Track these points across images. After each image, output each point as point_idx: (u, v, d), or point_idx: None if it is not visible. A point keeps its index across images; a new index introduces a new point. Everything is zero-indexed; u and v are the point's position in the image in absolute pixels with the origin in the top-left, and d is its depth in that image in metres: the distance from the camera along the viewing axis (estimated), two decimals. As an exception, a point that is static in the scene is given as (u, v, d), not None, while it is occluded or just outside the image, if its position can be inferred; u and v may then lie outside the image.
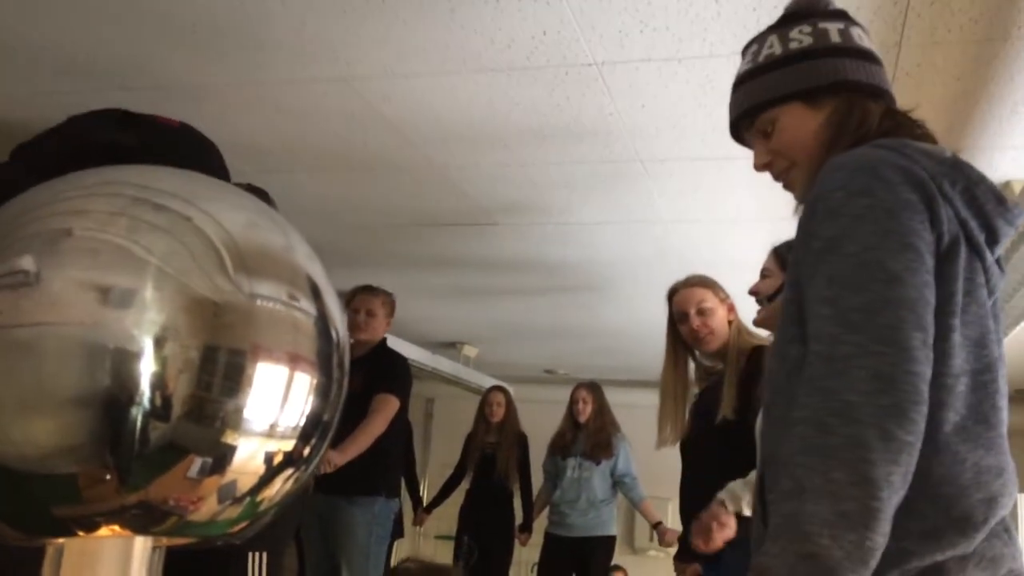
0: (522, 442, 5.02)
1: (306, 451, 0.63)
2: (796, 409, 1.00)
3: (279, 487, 0.63)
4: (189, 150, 1.29)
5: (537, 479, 5.04)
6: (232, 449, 0.61)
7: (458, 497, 5.23)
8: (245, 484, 0.62)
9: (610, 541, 4.81)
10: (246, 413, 0.60)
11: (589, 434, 4.70)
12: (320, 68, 2.08)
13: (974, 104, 2.07)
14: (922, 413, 0.95)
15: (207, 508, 0.61)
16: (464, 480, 5.16)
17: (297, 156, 2.67)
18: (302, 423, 0.63)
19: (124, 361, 0.57)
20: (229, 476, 0.61)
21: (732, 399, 2.37)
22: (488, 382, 6.07)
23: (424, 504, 5.49)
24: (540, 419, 5.16)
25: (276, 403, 0.62)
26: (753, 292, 2.21)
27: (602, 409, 4.77)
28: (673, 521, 5.00)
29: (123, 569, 0.60)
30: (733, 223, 3.07)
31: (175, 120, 1.47)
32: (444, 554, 6.08)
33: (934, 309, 1.00)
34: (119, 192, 0.60)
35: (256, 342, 0.61)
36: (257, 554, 1.99)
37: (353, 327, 3.50)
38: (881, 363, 0.95)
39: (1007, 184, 2.39)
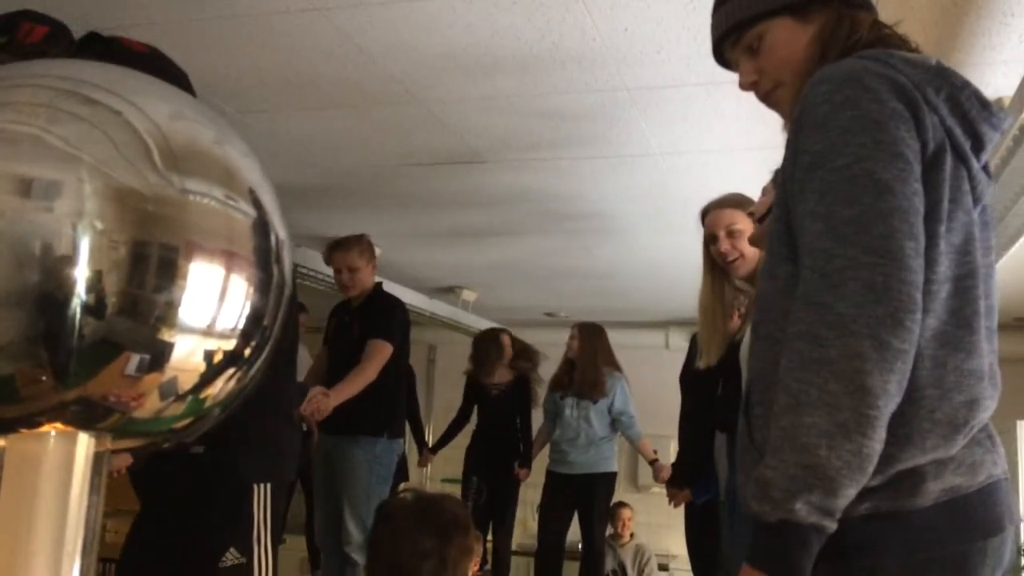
0: (525, 381, 5.07)
1: (247, 351, 0.62)
2: (791, 325, 1.01)
3: (222, 385, 0.63)
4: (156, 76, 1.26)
5: (537, 418, 5.10)
6: (169, 346, 0.60)
7: (462, 440, 5.29)
8: (186, 381, 0.62)
9: (611, 478, 4.87)
10: (182, 310, 0.59)
11: (579, 372, 4.73)
12: (294, -1, 2.04)
13: (962, 16, 2.03)
14: (916, 321, 0.95)
15: (150, 405, 0.60)
16: (471, 422, 5.22)
17: (276, 94, 2.63)
18: (241, 322, 0.62)
19: (51, 255, 0.56)
20: (169, 373, 0.61)
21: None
22: (487, 325, 6.09)
23: (429, 445, 5.55)
24: (541, 361, 5.20)
25: (213, 301, 0.61)
26: (749, 213, 2.19)
27: (594, 348, 4.79)
28: (674, 457, 5.08)
29: (67, 467, 0.59)
30: (724, 153, 3.03)
31: (142, 44, 1.43)
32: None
33: (923, 217, 0.99)
34: (45, 84, 0.59)
35: (189, 238, 0.60)
36: (262, 486, 2.02)
37: (341, 286, 3.54)
38: (874, 274, 0.95)
39: (999, 100, 2.35)
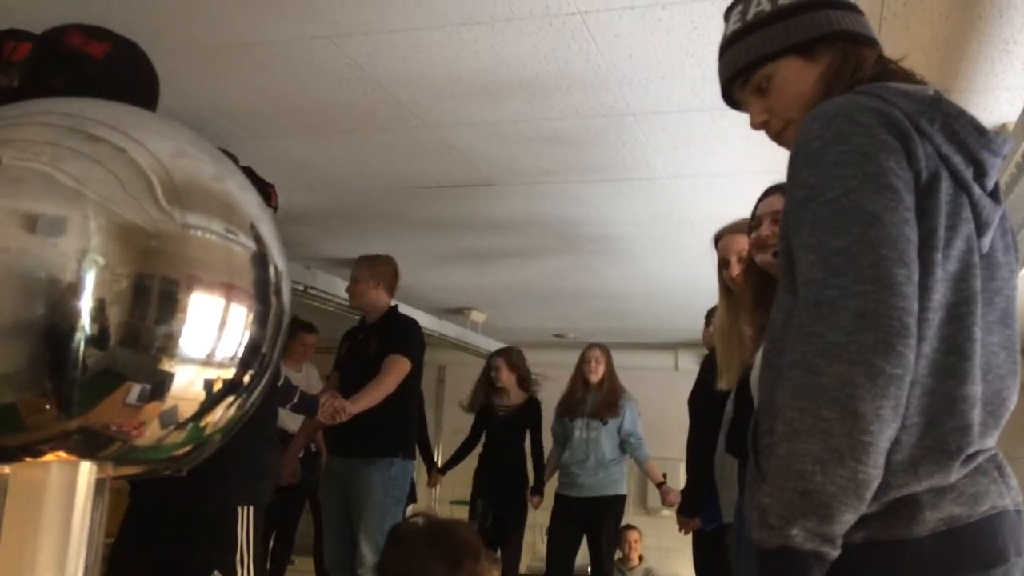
0: (533, 405, 5.04)
1: (246, 378, 0.64)
2: (787, 355, 1.03)
3: (222, 413, 0.64)
4: (121, 78, 1.21)
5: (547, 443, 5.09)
6: (170, 376, 0.61)
7: (471, 463, 5.28)
8: (187, 410, 0.63)
9: (620, 500, 4.85)
10: (182, 341, 0.61)
11: (600, 394, 4.73)
12: (304, 26, 2.07)
13: (964, 44, 2.04)
14: (910, 346, 0.96)
15: (150, 433, 0.62)
16: (478, 445, 5.20)
17: (288, 120, 2.66)
18: (240, 352, 0.64)
19: (56, 289, 0.57)
20: (169, 402, 0.62)
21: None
22: (496, 346, 6.10)
23: (439, 466, 5.54)
24: (552, 383, 5.19)
25: (212, 332, 0.62)
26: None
27: (612, 370, 4.81)
28: (683, 482, 5.05)
29: (68, 495, 0.61)
30: (730, 177, 3.05)
31: (101, 45, 1.38)
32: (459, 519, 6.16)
33: (916, 245, 1.01)
34: (49, 122, 0.61)
35: (190, 272, 0.62)
36: (246, 508, 2.04)
37: (349, 298, 3.61)
38: (865, 302, 0.97)
39: (1003, 126, 2.36)
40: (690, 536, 3.65)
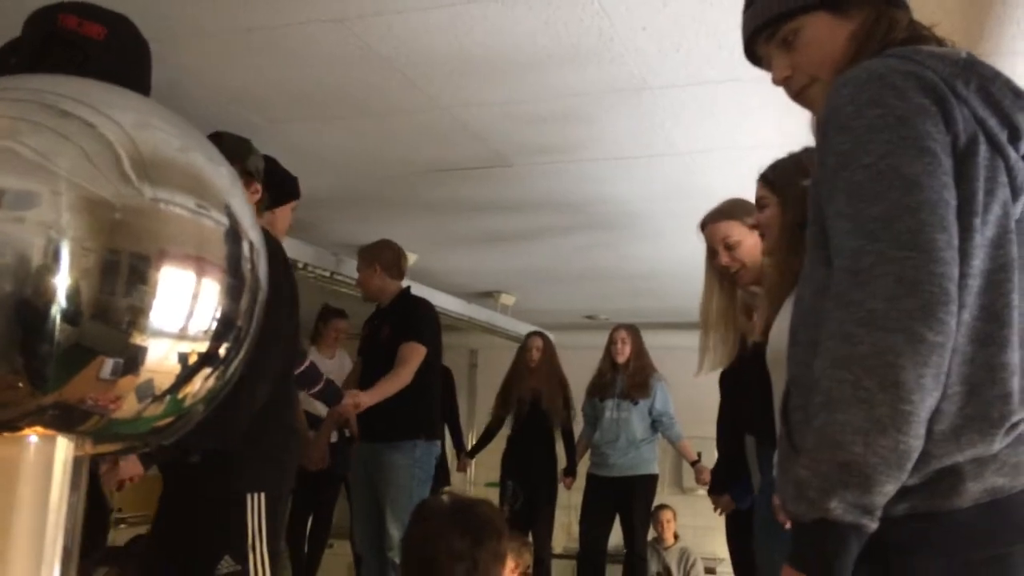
0: (563, 386, 5.06)
1: (221, 351, 0.64)
2: (825, 326, 1.01)
3: (200, 385, 0.64)
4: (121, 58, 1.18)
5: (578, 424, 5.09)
6: (142, 350, 0.61)
7: (499, 442, 5.30)
8: (163, 383, 0.63)
9: (652, 480, 4.85)
10: (153, 315, 0.61)
11: (628, 374, 4.73)
12: (314, 9, 2.07)
13: (988, 6, 1.98)
14: (951, 312, 0.94)
15: (128, 406, 0.62)
16: (505, 426, 5.22)
17: (302, 105, 2.67)
18: (214, 325, 0.63)
19: (24, 265, 0.58)
20: (144, 375, 0.63)
21: (763, 321, 2.33)
22: (527, 330, 6.10)
23: (467, 450, 5.58)
24: (584, 364, 5.19)
25: (184, 306, 0.62)
26: (753, 225, 2.18)
27: (640, 350, 4.81)
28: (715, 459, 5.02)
29: (46, 471, 0.61)
30: (753, 149, 2.98)
31: (99, 26, 1.34)
32: (493, 501, 6.19)
33: (956, 210, 0.99)
34: (18, 98, 0.61)
35: (160, 246, 0.62)
36: (255, 496, 2.06)
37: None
38: (904, 268, 0.95)
39: (1031, 88, 2.29)
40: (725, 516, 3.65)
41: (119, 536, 5.40)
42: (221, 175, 0.65)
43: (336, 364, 4.77)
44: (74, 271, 0.58)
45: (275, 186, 2.42)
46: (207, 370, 0.64)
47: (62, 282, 0.57)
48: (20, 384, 0.58)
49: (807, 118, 1.26)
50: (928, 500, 0.98)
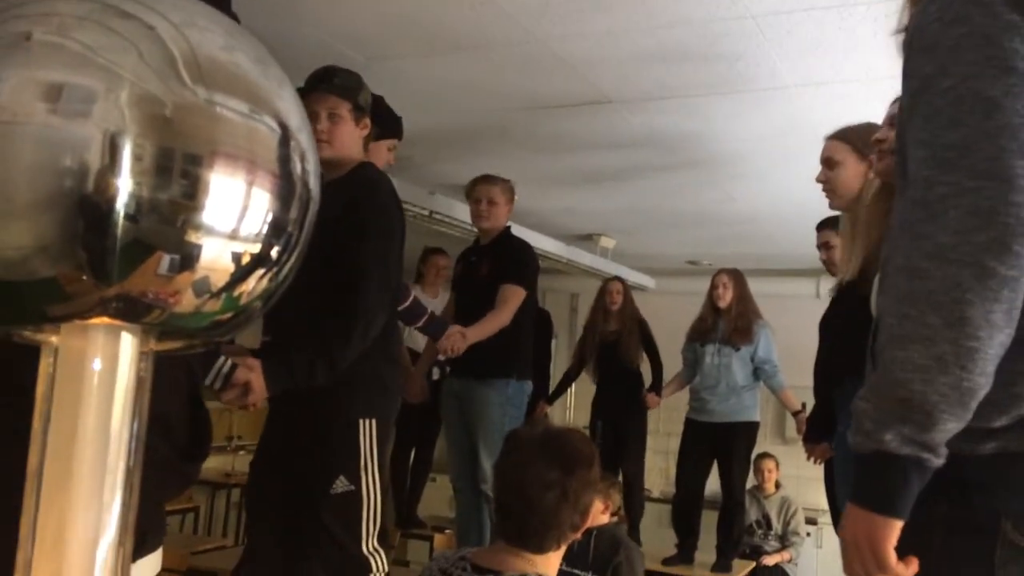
0: (642, 325, 5.05)
1: (273, 253, 0.65)
2: (893, 258, 0.98)
3: (255, 284, 0.66)
4: None
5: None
6: (198, 247, 0.63)
7: (588, 387, 5.34)
8: (218, 280, 0.65)
9: (752, 427, 4.76)
10: (206, 215, 0.62)
11: (730, 320, 4.64)
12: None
13: None
14: None
15: (187, 301, 0.65)
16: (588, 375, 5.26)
17: (401, 40, 2.68)
18: (265, 229, 0.65)
19: (84, 161, 0.60)
20: (200, 272, 0.65)
21: (856, 260, 2.24)
22: (629, 274, 6.05)
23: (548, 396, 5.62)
24: (686, 311, 5.11)
25: (236, 207, 0.64)
26: (875, 140, 2.08)
27: (743, 295, 4.70)
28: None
29: (113, 361, 0.64)
30: (864, 83, 2.84)
31: None
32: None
33: None
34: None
35: (213, 147, 0.63)
36: (367, 421, 2.15)
37: (476, 217, 3.60)
38: (978, 199, 0.90)
39: None
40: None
41: (238, 462, 5.74)
42: (271, 77, 0.66)
43: (439, 303, 4.86)
44: (131, 168, 0.60)
45: (374, 123, 2.46)
46: (260, 271, 0.65)
47: (120, 178, 0.59)
48: (84, 277, 0.60)
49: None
50: (1017, 441, 0.96)
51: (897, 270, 0.96)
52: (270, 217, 0.65)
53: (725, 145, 3.59)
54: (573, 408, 6.69)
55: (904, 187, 1.04)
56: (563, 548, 1.63)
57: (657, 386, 5.05)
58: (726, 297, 4.68)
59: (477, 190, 3.58)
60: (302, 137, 0.67)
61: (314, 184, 0.70)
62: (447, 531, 5.04)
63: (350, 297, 2.07)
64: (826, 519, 6.21)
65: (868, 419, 0.95)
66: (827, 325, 3.17)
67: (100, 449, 0.63)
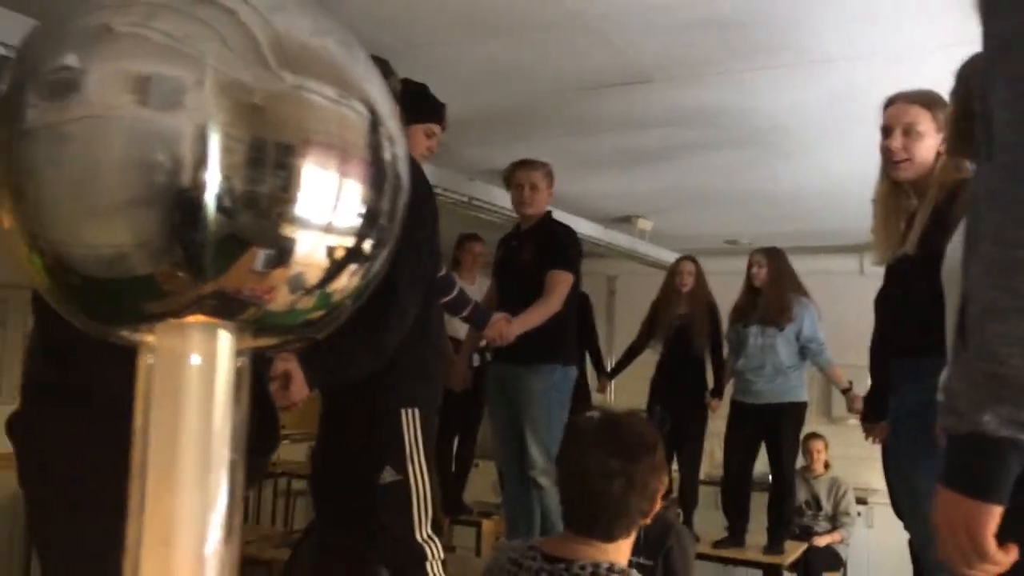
0: (713, 311, 4.97)
1: (366, 247, 0.63)
2: (980, 227, 0.93)
3: (347, 281, 0.64)
4: None
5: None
6: (291, 242, 0.61)
7: (643, 369, 5.27)
8: (312, 276, 0.63)
9: (800, 407, 4.71)
10: (299, 208, 0.60)
11: (766, 299, 4.57)
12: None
13: None
14: None
15: (281, 298, 0.63)
16: (652, 351, 5.18)
17: (437, 25, 2.65)
18: (358, 220, 0.63)
19: (176, 156, 0.58)
20: (295, 268, 0.63)
21: (918, 234, 2.16)
22: (667, 256, 5.98)
23: (608, 372, 5.59)
24: (723, 291, 5.07)
25: (329, 198, 0.62)
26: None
27: (780, 274, 4.63)
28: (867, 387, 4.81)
29: (210, 359, 0.63)
30: (914, 54, 2.76)
31: None
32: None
33: None
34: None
35: (304, 136, 0.61)
36: (409, 411, 2.16)
37: (518, 203, 3.57)
38: None
39: None
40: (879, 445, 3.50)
41: (283, 452, 5.79)
42: (358, 60, 0.63)
43: (477, 290, 4.85)
44: (223, 160, 0.58)
45: (405, 108, 2.44)
46: (353, 266, 0.63)
47: (213, 172, 0.57)
48: (180, 274, 0.58)
49: (972, 22, 1.12)
50: None
51: (986, 238, 0.91)
52: (363, 209, 0.63)
53: (770, 121, 3.52)
54: (614, 390, 6.64)
55: (989, 153, 0.99)
56: (633, 535, 1.61)
57: (719, 388, 4.95)
58: (761, 276, 4.62)
59: (518, 175, 3.55)
60: (392, 123, 0.65)
61: (404, 172, 0.67)
62: (494, 516, 5.06)
63: (381, 287, 2.06)
64: (876, 499, 6.14)
65: (962, 399, 0.91)
66: (884, 301, 3.09)
67: (203, 446, 0.61)
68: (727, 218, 5.75)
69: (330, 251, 0.63)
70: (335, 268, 0.64)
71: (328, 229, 0.62)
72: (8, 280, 6.12)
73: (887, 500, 5.16)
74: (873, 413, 3.43)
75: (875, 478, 6.30)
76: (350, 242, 0.64)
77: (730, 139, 3.83)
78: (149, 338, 0.63)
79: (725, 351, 5.01)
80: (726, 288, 5.03)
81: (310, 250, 0.62)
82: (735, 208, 5.41)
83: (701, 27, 2.60)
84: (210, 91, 0.57)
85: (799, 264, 4.80)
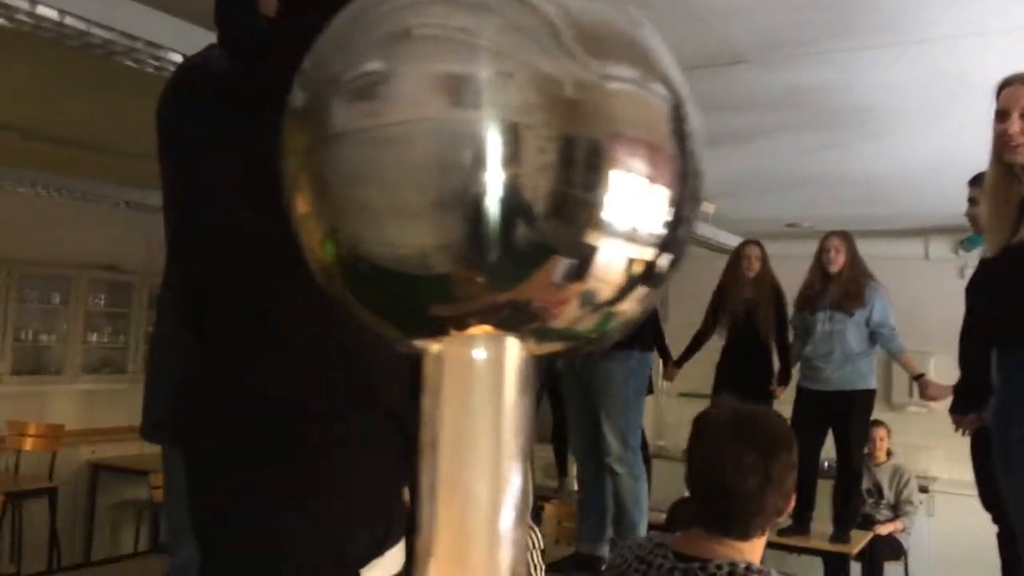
0: (779, 295, 4.87)
1: (661, 262, 0.57)
2: None
3: (632, 304, 0.58)
4: None
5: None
6: (593, 250, 0.56)
7: (704, 355, 5.19)
8: (604, 294, 0.58)
9: (869, 395, 4.61)
10: (606, 211, 0.55)
11: (841, 284, 4.47)
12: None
13: None
14: None
15: (567, 314, 0.57)
16: (717, 336, 5.10)
17: None
18: (662, 227, 0.56)
19: (485, 156, 0.53)
20: (590, 283, 0.57)
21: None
22: (727, 239, 5.88)
23: (675, 359, 5.51)
24: (783, 274, 4.98)
25: (636, 200, 0.56)
26: None
27: (854, 259, 4.52)
28: (937, 375, 4.70)
29: (498, 370, 0.58)
30: (1016, 34, 2.64)
31: None
32: (689, 412, 6.10)
33: None
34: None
35: (612, 129, 0.55)
36: None
37: None
38: None
39: None
40: (941, 433, 3.43)
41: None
42: (648, 31, 0.57)
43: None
44: (532, 161, 0.52)
45: None
46: (642, 287, 0.58)
47: (521, 174, 0.52)
48: (479, 280, 0.53)
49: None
50: None
51: None
52: (669, 210, 0.57)
53: (861, 100, 3.41)
54: (659, 375, 6.56)
55: None
56: (767, 533, 1.56)
57: (785, 375, 4.86)
58: (838, 261, 4.51)
59: None
60: (691, 107, 0.58)
61: (702, 168, 0.61)
62: (552, 500, 5.03)
63: None
64: (937, 487, 6.05)
65: None
66: (978, 289, 3.00)
67: (492, 453, 0.57)
68: (793, 202, 5.64)
69: (628, 265, 0.57)
70: (628, 286, 0.58)
71: (631, 238, 0.56)
72: (72, 260, 6.19)
73: (949, 489, 5.06)
74: (963, 404, 3.35)
75: (936, 467, 6.22)
76: (650, 254, 0.58)
77: (812, 121, 3.72)
78: (435, 346, 0.59)
79: (790, 336, 4.91)
80: (786, 271, 4.94)
81: (608, 262, 0.56)
82: (803, 192, 5.30)
83: (801, 4, 2.50)
84: (515, 87, 0.52)
85: (863, 248, 4.69)
